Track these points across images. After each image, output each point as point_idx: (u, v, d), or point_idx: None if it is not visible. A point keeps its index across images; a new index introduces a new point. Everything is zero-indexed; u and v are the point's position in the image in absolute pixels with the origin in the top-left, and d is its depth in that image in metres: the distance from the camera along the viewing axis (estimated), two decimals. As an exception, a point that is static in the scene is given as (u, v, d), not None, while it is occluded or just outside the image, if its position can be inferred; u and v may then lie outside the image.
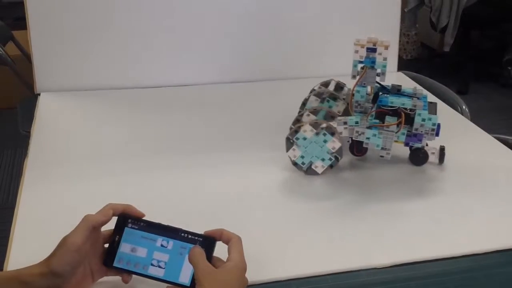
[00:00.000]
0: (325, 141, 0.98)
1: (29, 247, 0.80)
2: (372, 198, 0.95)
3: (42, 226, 0.85)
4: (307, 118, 1.05)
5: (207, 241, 0.71)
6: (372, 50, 0.99)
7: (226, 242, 0.71)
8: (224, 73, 1.43)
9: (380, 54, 0.99)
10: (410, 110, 0.98)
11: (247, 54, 1.44)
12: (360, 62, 1.00)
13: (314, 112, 1.05)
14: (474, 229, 0.88)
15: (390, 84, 1.04)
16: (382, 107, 0.99)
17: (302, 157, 0.99)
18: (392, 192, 0.97)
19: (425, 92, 1.04)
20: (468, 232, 0.87)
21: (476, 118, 1.30)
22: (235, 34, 1.42)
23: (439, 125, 1.00)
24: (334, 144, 0.98)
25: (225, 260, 0.69)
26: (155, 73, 1.41)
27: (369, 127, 0.98)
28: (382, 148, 0.98)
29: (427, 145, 1.04)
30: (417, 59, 3.59)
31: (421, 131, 0.99)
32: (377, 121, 0.99)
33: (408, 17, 3.48)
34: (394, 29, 1.51)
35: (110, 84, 1.37)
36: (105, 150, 1.09)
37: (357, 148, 1.06)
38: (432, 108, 1.02)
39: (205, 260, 0.67)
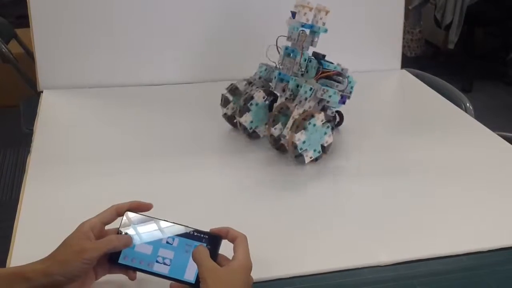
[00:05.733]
0: (325, 133, 1.01)
1: (32, 243, 0.80)
2: (374, 191, 0.95)
3: (44, 223, 0.85)
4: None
5: (213, 239, 0.70)
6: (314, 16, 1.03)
7: (232, 240, 0.70)
8: (227, 71, 1.43)
9: (321, 19, 1.03)
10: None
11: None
12: (302, 26, 1.03)
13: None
14: (478, 227, 0.87)
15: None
16: (325, 70, 1.03)
17: (304, 142, 1.00)
18: (396, 189, 0.97)
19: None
20: (471, 230, 0.86)
21: (480, 116, 1.29)
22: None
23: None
24: (329, 138, 1.02)
25: (230, 258, 0.69)
26: (158, 70, 1.40)
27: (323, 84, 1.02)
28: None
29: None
30: (421, 57, 3.57)
31: (346, 93, 1.06)
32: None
33: (413, 15, 3.46)
34: (398, 26, 1.51)
35: (113, 81, 1.37)
36: (108, 148, 1.08)
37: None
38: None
39: (209, 259, 0.67)
